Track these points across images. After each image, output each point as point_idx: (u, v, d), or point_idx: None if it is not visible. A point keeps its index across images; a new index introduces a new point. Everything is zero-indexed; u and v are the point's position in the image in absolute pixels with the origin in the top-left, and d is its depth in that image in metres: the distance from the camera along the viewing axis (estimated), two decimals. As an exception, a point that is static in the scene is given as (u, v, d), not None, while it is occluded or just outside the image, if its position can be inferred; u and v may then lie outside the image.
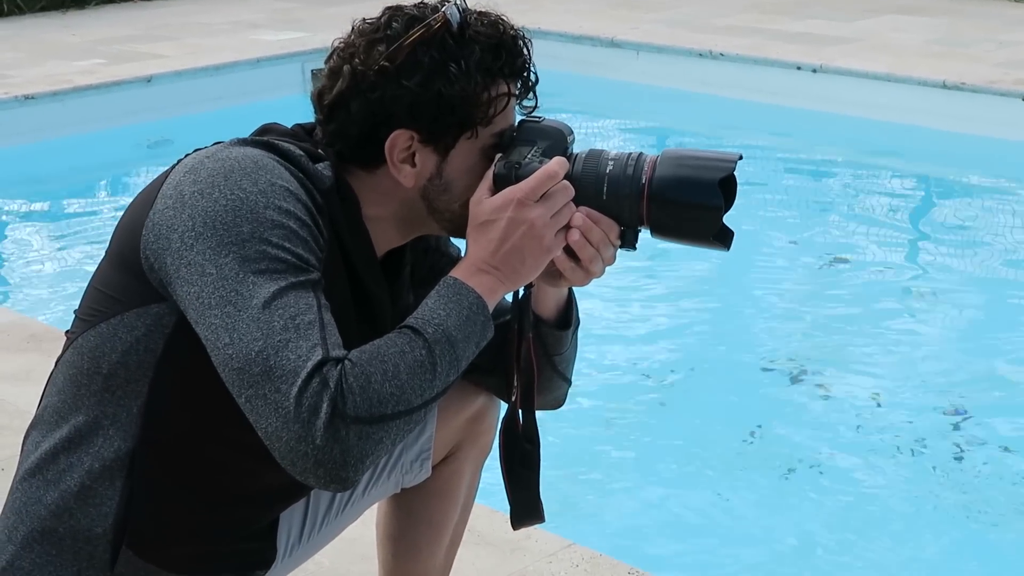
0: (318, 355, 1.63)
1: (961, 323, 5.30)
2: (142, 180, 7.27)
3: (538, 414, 2.03)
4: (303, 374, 1.61)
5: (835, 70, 7.68)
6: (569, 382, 2.11)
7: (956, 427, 4.34)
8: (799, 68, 7.80)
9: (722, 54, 8.09)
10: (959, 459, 4.14)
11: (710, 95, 8.03)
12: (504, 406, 2.14)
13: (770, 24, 8.89)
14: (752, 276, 5.72)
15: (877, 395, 4.58)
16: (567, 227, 1.82)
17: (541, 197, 1.79)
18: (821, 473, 4.10)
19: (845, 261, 5.88)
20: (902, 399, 4.58)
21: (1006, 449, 4.20)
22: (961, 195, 7.10)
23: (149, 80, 7.90)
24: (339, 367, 1.63)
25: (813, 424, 4.40)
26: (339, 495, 2.15)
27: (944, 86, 7.29)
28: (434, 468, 2.24)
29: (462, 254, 2.09)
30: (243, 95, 8.02)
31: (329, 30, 8.42)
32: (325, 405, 1.60)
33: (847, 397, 4.58)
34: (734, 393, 4.64)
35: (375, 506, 2.31)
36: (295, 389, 1.61)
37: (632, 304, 5.35)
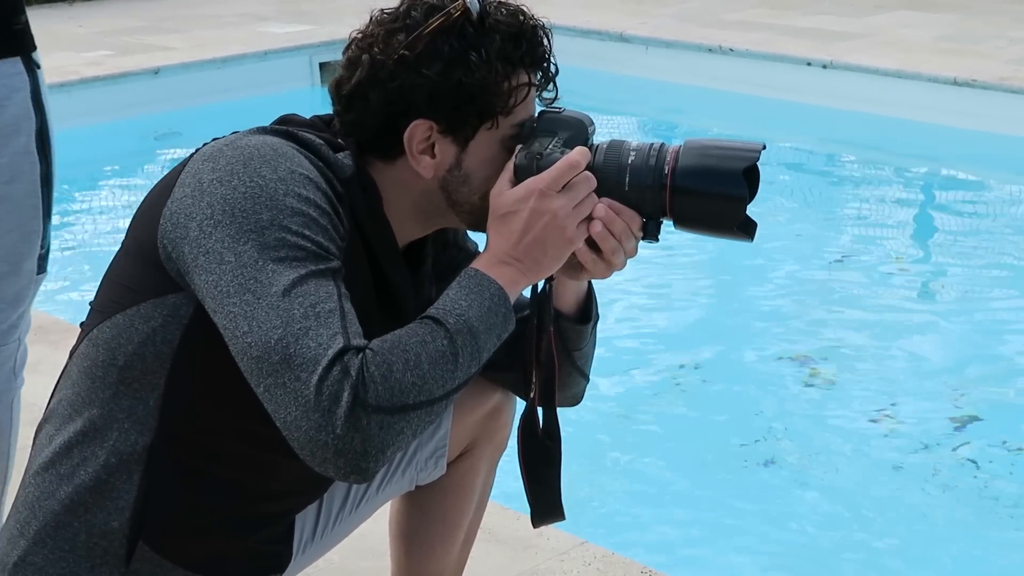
0: (339, 343, 1.60)
1: (974, 322, 5.27)
2: (149, 172, 7.25)
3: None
4: (324, 362, 1.58)
5: (845, 66, 7.65)
6: (587, 378, 2.09)
7: (966, 428, 4.31)
8: (809, 64, 7.77)
9: (732, 49, 8.06)
10: (970, 461, 4.11)
11: (719, 90, 8.00)
12: (520, 402, 2.12)
13: (780, 19, 8.86)
14: (761, 273, 5.69)
15: (889, 395, 4.56)
16: (589, 218, 1.79)
17: (563, 187, 1.76)
18: (833, 473, 4.07)
19: (855, 258, 5.85)
20: (914, 399, 4.56)
21: (1018, 450, 4.17)
22: (972, 192, 7.07)
23: (156, 72, 7.89)
24: (360, 356, 1.60)
25: (824, 424, 4.38)
26: (353, 492, 2.12)
27: (955, 83, 7.26)
28: (449, 465, 2.22)
29: (479, 249, 2.08)
30: (250, 88, 8.01)
31: (337, 23, 8.41)
32: (346, 394, 1.57)
33: (859, 397, 4.56)
34: (746, 392, 4.62)
35: (387, 503, 2.29)
36: (315, 377, 1.58)
37: (641, 301, 5.33)
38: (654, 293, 5.40)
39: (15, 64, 2.47)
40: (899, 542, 3.72)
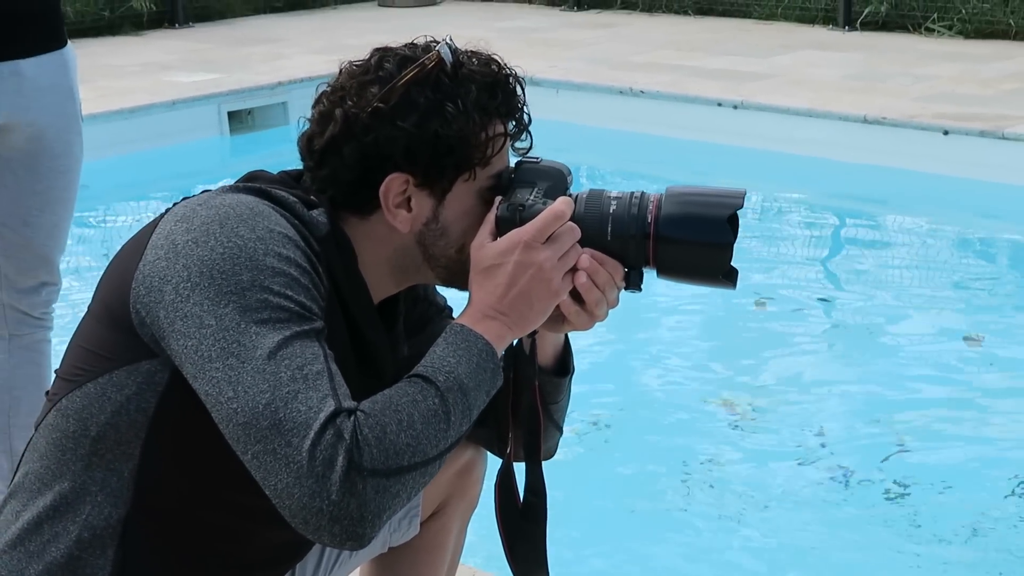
0: (330, 406, 1.55)
1: (892, 355, 5.31)
2: (58, 226, 7.09)
3: None
4: (316, 426, 1.53)
5: (756, 106, 7.70)
6: (561, 431, 2.05)
7: (892, 460, 4.33)
8: (720, 104, 7.82)
9: (643, 91, 8.10)
10: (895, 493, 4.12)
11: (632, 132, 8.03)
12: (490, 456, 2.07)
13: (687, 61, 8.93)
14: (681, 316, 5.68)
15: (811, 430, 4.57)
16: (573, 270, 1.76)
17: (548, 239, 1.73)
18: (760, 511, 4.06)
19: (773, 297, 5.88)
20: (837, 434, 4.57)
21: (942, 480, 4.20)
22: (885, 228, 7.15)
23: (62, 124, 7.73)
24: (352, 418, 1.56)
25: (750, 462, 4.37)
26: (326, 557, 2.07)
27: (865, 120, 7.34)
28: (421, 525, 2.17)
29: (448, 303, 2.04)
30: (159, 138, 7.87)
31: (244, 71, 8.34)
32: (341, 458, 1.52)
33: (785, 436, 4.55)
34: (671, 433, 4.60)
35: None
36: (308, 442, 1.53)
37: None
38: (576, 336, 5.35)
39: None
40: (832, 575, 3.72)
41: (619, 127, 8.10)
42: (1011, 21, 9.50)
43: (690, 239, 1.77)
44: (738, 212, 1.80)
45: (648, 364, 5.31)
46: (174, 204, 1.76)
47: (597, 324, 1.83)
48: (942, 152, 7.09)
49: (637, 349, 5.46)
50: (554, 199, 1.77)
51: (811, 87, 8.05)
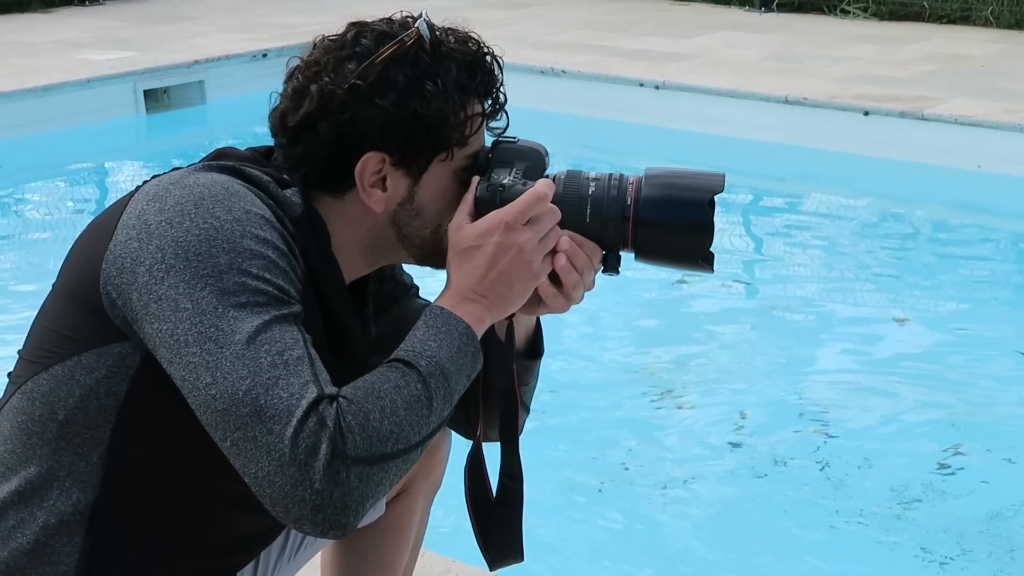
0: (312, 392, 1.51)
1: (811, 335, 5.36)
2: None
3: None
4: (298, 413, 1.50)
5: (678, 86, 7.73)
6: (529, 411, 2.03)
7: (819, 437, 4.36)
8: (642, 84, 7.84)
9: (564, 71, 8.08)
10: (823, 469, 4.16)
11: (554, 112, 8.01)
12: (454, 436, 2.05)
13: (606, 41, 8.93)
14: (601, 297, 5.67)
15: (737, 409, 4.59)
16: (553, 252, 1.73)
17: (528, 221, 1.70)
18: (694, 491, 4.08)
19: (696, 278, 5.89)
20: (762, 413, 4.60)
21: (866, 457, 4.24)
22: (806, 209, 7.21)
23: (-26, 102, 7.59)
24: (335, 405, 1.52)
25: (682, 443, 4.38)
26: (291, 540, 2.03)
27: (787, 101, 7.39)
28: (386, 505, 2.14)
29: (415, 281, 2.00)
30: (73, 116, 7.76)
31: (159, 50, 8.23)
32: (324, 446, 1.49)
33: (712, 414, 4.57)
34: (603, 416, 4.60)
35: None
36: (290, 429, 1.49)
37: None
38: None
39: None
40: (769, 554, 3.74)
41: (541, 107, 8.07)
42: (924, 3, 9.61)
43: (670, 222, 1.75)
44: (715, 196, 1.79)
45: (572, 347, 5.30)
46: (144, 182, 1.71)
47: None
48: (863, 133, 7.16)
49: (567, 330, 5.46)
50: (533, 180, 1.75)
51: (731, 68, 8.08)
